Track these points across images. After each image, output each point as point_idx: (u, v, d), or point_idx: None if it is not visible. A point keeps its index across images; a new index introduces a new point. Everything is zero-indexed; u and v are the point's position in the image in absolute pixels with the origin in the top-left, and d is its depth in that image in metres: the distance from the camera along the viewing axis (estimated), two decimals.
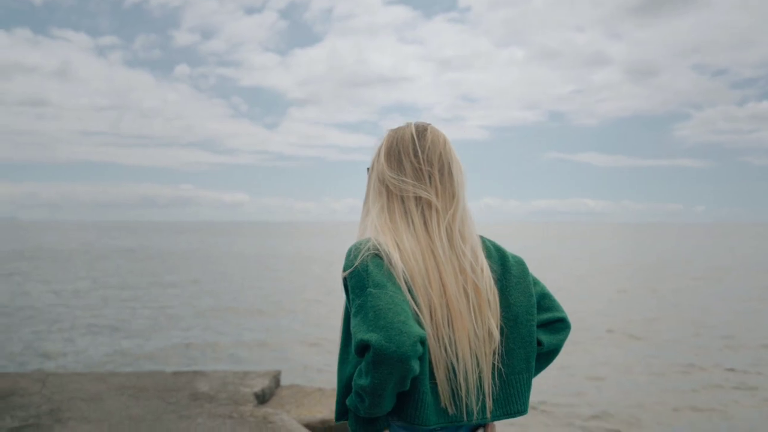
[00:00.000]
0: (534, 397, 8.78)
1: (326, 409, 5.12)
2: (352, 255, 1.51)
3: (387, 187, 1.64)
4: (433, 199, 1.60)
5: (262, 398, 5.16)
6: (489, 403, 1.55)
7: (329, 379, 9.02)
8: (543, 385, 9.45)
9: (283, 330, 14.25)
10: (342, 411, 1.58)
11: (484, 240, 1.68)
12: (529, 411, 1.66)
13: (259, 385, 5.35)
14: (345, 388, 1.56)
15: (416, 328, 1.38)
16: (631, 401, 8.66)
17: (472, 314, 1.54)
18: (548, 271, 28.75)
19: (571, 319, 1.79)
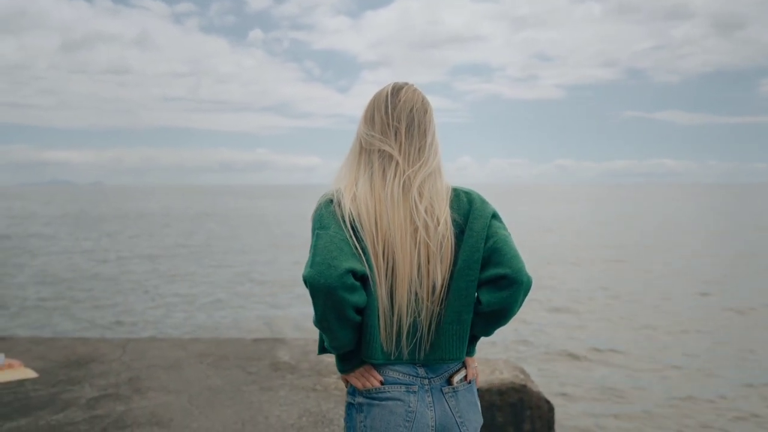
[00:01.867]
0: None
1: None
2: (317, 202, 1.67)
3: (360, 141, 1.73)
4: (395, 153, 1.67)
5: None
6: (424, 348, 1.64)
7: None
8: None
9: None
10: (322, 346, 1.73)
11: (458, 192, 1.71)
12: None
13: None
14: None
15: (346, 263, 1.51)
16: None
17: (417, 263, 1.61)
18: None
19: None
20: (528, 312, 11.60)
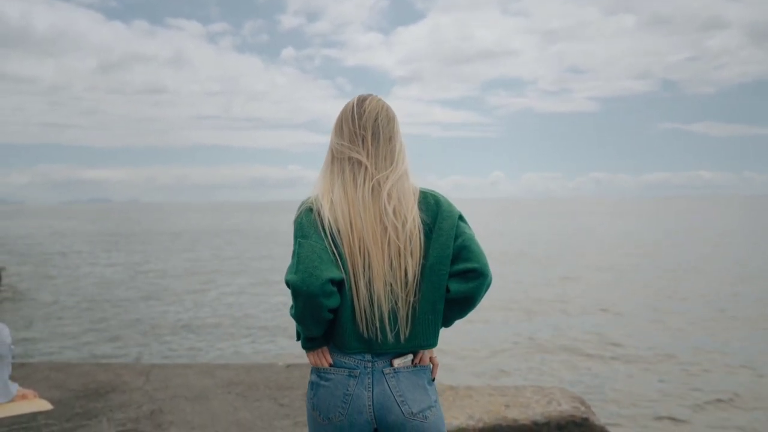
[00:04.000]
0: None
1: (463, 414, 4.27)
2: (297, 209, 1.82)
3: (332, 151, 1.87)
4: (363, 159, 1.81)
5: None
6: (404, 334, 1.78)
7: (466, 376, 8.19)
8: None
9: None
10: (298, 334, 1.87)
11: (426, 194, 1.85)
12: None
13: None
14: None
15: (327, 272, 1.68)
16: None
17: (389, 259, 1.76)
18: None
19: None
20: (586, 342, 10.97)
